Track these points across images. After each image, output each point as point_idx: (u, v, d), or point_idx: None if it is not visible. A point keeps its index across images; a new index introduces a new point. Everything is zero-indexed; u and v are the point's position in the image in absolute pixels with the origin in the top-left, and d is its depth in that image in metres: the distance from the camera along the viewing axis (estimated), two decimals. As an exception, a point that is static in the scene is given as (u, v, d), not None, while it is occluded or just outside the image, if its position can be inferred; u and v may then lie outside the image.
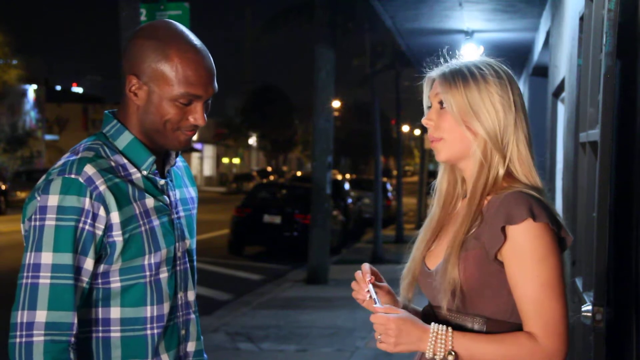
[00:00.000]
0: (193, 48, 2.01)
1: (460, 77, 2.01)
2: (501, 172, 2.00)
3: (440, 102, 2.04)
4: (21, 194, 28.91)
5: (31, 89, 41.81)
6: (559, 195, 5.99)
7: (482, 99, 1.99)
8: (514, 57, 11.49)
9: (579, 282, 3.72)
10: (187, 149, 2.21)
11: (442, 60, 2.11)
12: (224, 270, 14.11)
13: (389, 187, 28.78)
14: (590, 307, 2.75)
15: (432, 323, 1.94)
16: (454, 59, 2.10)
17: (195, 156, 61.81)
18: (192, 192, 2.23)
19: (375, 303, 1.99)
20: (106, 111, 2.10)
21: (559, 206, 5.74)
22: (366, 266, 2.10)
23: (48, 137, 45.90)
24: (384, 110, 45.01)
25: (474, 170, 2.02)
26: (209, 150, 66.31)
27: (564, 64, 5.59)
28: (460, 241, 1.96)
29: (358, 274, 2.09)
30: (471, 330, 1.96)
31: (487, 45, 10.33)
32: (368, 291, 2.04)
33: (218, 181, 63.84)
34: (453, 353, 1.90)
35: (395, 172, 27.20)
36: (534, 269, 1.89)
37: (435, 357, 1.91)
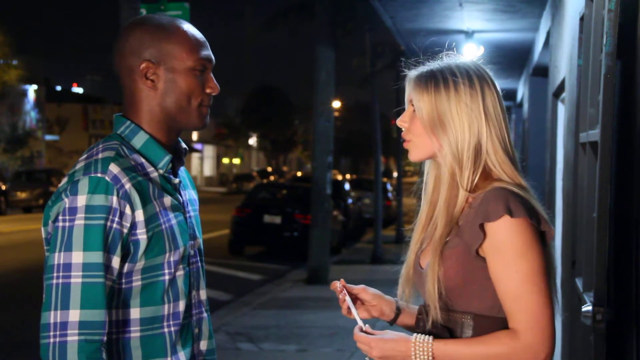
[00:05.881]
0: (185, 22, 2.11)
1: (433, 83, 2.01)
2: (468, 182, 1.98)
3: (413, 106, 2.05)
4: (21, 194, 28.84)
5: (31, 89, 41.80)
6: (559, 195, 5.99)
7: (450, 108, 1.99)
8: (514, 57, 11.48)
9: (579, 282, 3.72)
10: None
11: (422, 59, 2.10)
12: (224, 271, 14.11)
13: (389, 187, 28.78)
14: (590, 307, 2.75)
15: (414, 334, 1.97)
16: (433, 59, 2.09)
17: (195, 156, 61.78)
18: (194, 194, 2.26)
19: (358, 322, 2.06)
20: (116, 114, 2.12)
21: (559, 206, 5.74)
22: (337, 284, 2.18)
23: (48, 137, 45.88)
24: (384, 110, 44.97)
25: (446, 175, 2.02)
26: (209, 151, 66.30)
27: (564, 64, 5.59)
28: (442, 242, 1.98)
29: (336, 285, 2.17)
30: (461, 328, 1.97)
31: (487, 46, 10.32)
32: (349, 308, 2.14)
33: (218, 181, 63.83)
34: None
35: (395, 172, 27.21)
36: (513, 264, 1.90)
37: None
